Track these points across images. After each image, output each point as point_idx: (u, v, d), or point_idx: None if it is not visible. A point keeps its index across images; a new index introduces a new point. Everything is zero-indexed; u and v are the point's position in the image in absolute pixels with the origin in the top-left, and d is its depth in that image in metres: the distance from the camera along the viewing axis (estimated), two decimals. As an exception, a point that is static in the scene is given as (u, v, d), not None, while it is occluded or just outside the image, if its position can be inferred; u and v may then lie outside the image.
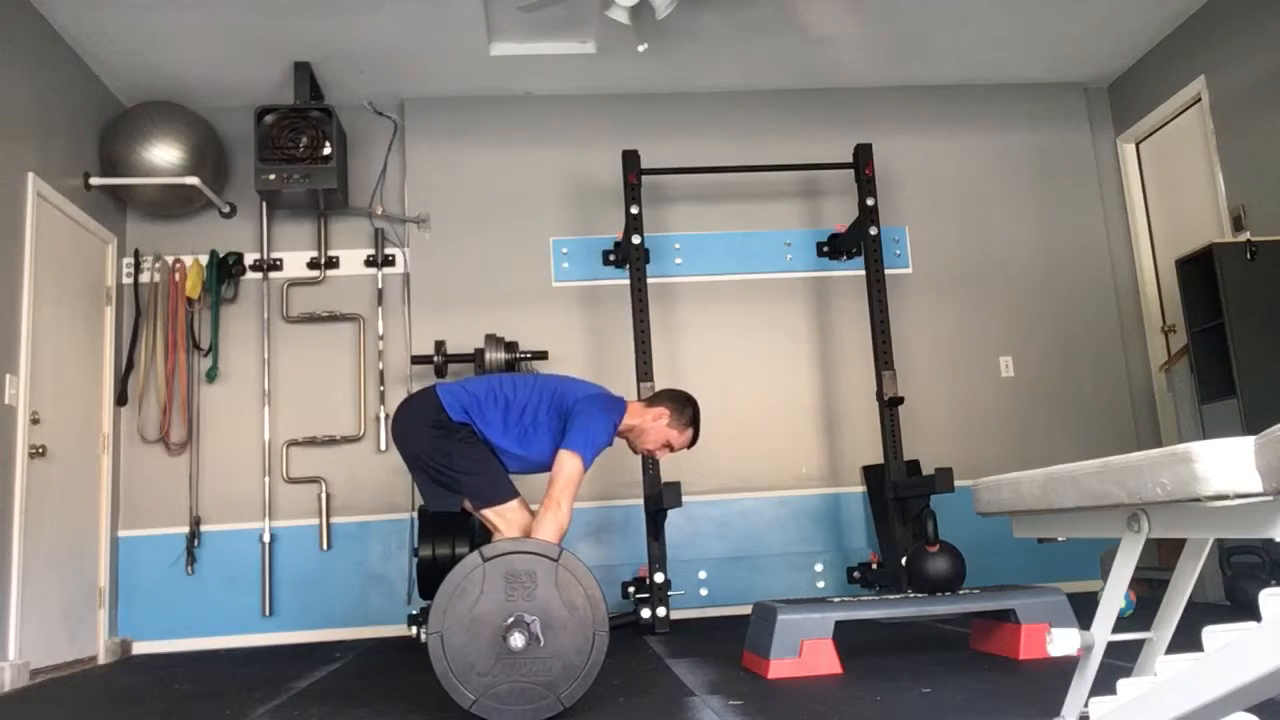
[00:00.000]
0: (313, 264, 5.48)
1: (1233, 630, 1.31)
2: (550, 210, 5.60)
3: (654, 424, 3.30)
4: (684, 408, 3.35)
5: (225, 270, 5.35)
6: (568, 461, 2.99)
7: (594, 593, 2.58)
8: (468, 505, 3.13)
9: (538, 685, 2.50)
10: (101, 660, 4.75)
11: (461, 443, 3.11)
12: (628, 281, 4.97)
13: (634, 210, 4.98)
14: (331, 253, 5.50)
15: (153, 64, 5.09)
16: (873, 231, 5.02)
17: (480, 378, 3.34)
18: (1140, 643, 1.72)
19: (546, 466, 3.12)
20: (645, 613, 4.47)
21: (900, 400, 4.80)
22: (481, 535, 3.81)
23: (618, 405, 3.24)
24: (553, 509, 2.92)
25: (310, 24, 4.84)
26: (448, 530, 4.55)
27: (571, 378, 3.43)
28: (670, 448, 3.36)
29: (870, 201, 5.04)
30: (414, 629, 4.54)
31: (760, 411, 5.46)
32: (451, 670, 2.50)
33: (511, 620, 2.50)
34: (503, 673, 2.50)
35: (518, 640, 2.46)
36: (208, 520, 5.18)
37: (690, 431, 3.36)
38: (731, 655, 3.51)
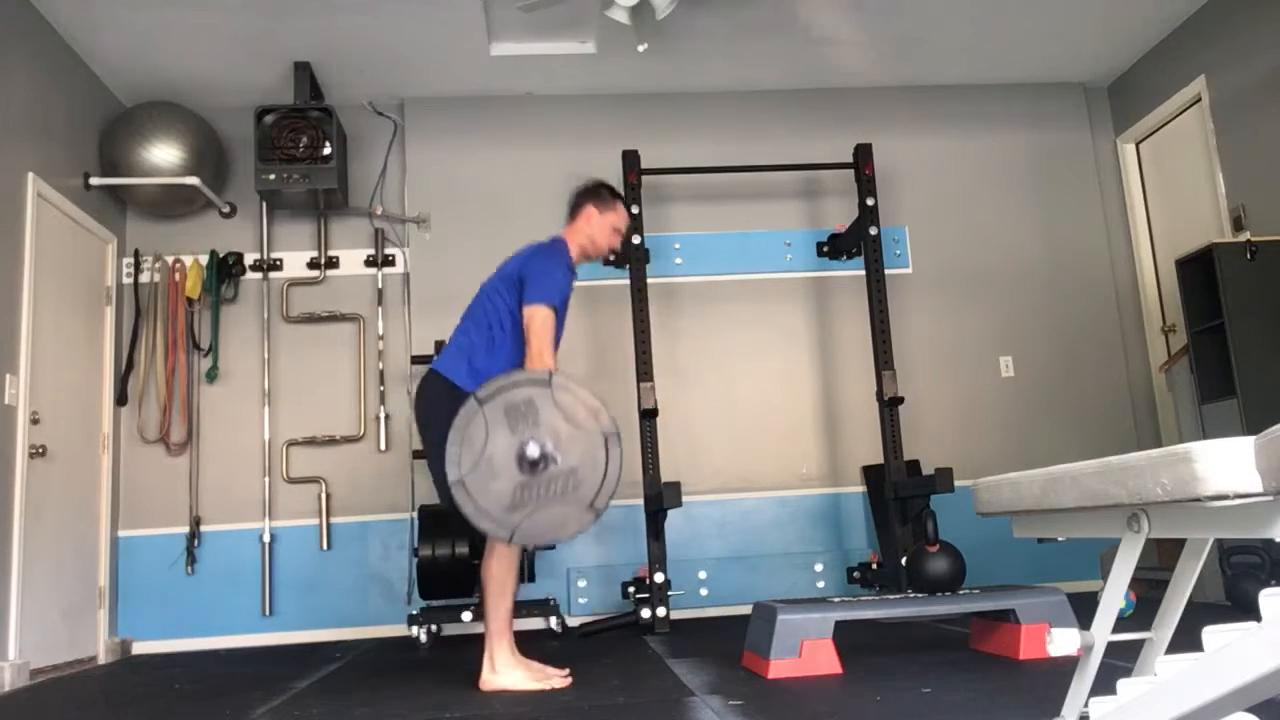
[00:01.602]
0: (313, 264, 5.48)
1: (1233, 630, 1.31)
2: (550, 210, 5.54)
3: (590, 225, 3.39)
4: (598, 190, 3.43)
5: (225, 270, 5.36)
6: (536, 314, 3.05)
7: (594, 403, 2.65)
8: None
9: (568, 502, 2.56)
10: (101, 660, 4.75)
11: None
12: (628, 281, 4.98)
13: (634, 210, 4.98)
14: (331, 253, 5.51)
15: (153, 64, 5.09)
16: (873, 231, 5.02)
17: (457, 328, 3.35)
18: (1140, 643, 1.72)
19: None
20: (645, 613, 4.47)
21: (900, 400, 4.80)
22: (482, 535, 3.80)
23: (556, 245, 3.33)
24: (536, 362, 2.95)
25: (310, 24, 4.84)
26: (448, 530, 4.56)
27: (511, 257, 3.41)
28: (619, 232, 3.44)
29: (870, 201, 5.04)
30: (414, 629, 4.54)
31: (760, 411, 5.46)
32: (482, 510, 2.54)
33: (523, 445, 2.55)
34: (532, 500, 2.57)
35: (534, 449, 2.52)
36: (208, 520, 5.19)
37: (619, 204, 3.44)
38: (731, 655, 3.51)
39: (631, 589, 4.65)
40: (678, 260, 5.56)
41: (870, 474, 5.27)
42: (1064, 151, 5.90)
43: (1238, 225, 4.94)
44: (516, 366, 3.15)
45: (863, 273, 5.08)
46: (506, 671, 3.03)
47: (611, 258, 3.51)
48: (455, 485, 2.56)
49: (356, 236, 5.55)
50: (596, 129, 5.65)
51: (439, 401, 3.13)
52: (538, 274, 3.15)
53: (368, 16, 4.80)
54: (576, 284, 5.41)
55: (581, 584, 5.15)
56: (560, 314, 3.16)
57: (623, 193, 5.02)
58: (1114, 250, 5.85)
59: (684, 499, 4.33)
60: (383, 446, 5.29)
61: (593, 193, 3.44)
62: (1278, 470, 1.19)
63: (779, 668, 3.04)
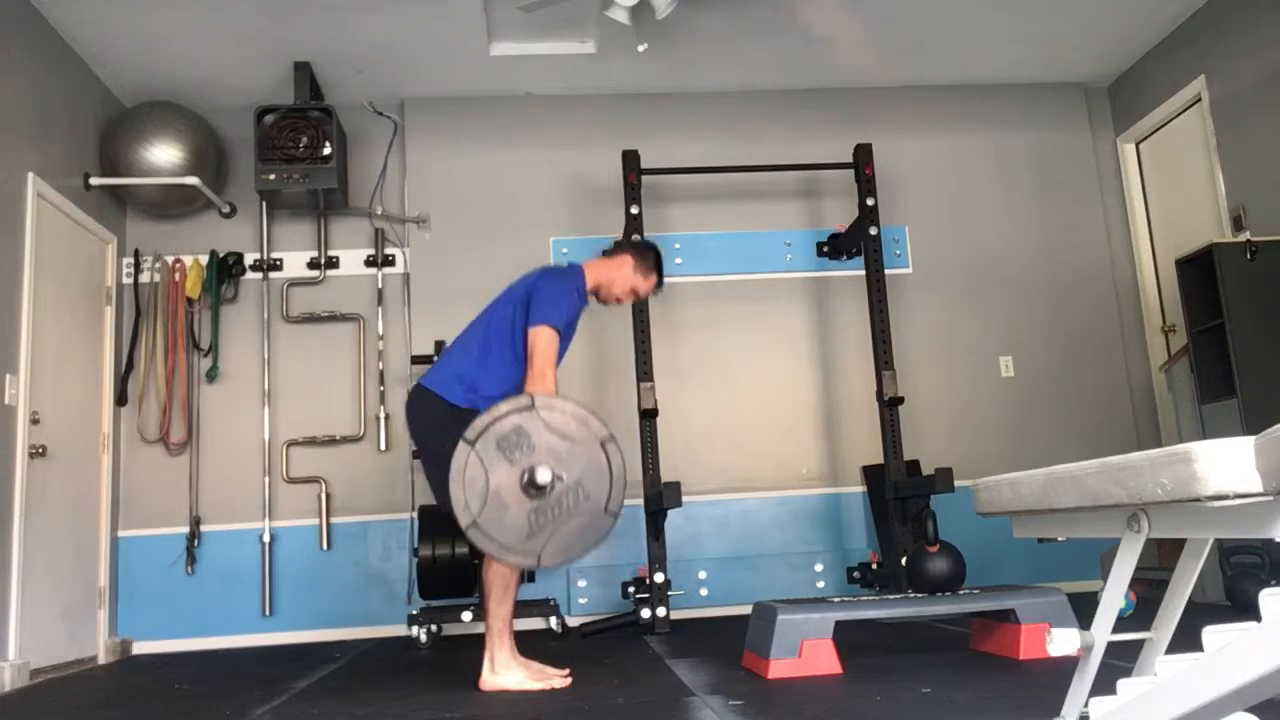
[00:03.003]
0: (313, 264, 5.48)
1: (1233, 630, 1.31)
2: (550, 210, 5.60)
3: (619, 272, 3.34)
4: (646, 253, 3.39)
5: (225, 270, 5.36)
6: (539, 335, 3.02)
7: (580, 412, 2.67)
8: None
9: (584, 513, 2.57)
10: (101, 660, 4.75)
11: None
12: (628, 281, 4.97)
13: (634, 210, 4.98)
14: (331, 253, 5.50)
15: (153, 64, 5.09)
16: (873, 231, 5.02)
17: (450, 347, 3.33)
18: (1140, 643, 1.72)
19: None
20: (645, 613, 4.47)
21: (900, 400, 4.80)
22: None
23: (573, 270, 3.28)
24: (538, 381, 2.93)
25: (310, 24, 4.84)
26: (448, 530, 4.56)
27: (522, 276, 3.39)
28: (636, 294, 3.40)
29: (870, 201, 5.04)
30: (414, 629, 4.54)
31: (760, 412, 5.46)
32: (504, 545, 2.55)
33: (525, 476, 2.57)
34: (548, 522, 2.58)
35: (545, 474, 2.53)
36: (208, 520, 5.18)
37: (654, 276, 3.40)
38: (731, 655, 3.50)
39: (631, 589, 4.65)
40: (678, 260, 5.56)
41: (870, 474, 5.26)
42: (1064, 151, 5.90)
43: (1238, 225, 4.93)
44: (513, 384, 3.14)
45: (863, 273, 5.08)
46: (506, 672, 3.03)
47: (611, 303, 3.46)
48: (470, 529, 2.56)
49: (356, 236, 5.55)
50: (596, 129, 5.64)
51: (431, 419, 3.12)
52: (545, 295, 3.11)
53: (368, 16, 4.80)
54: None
55: (581, 584, 5.15)
56: (564, 336, 3.12)
57: (625, 194, 5.06)
58: (1114, 250, 5.84)
59: (684, 499, 4.32)
60: (383, 446, 5.29)
61: (640, 250, 3.40)
62: (1278, 470, 1.19)
63: (779, 668, 3.04)
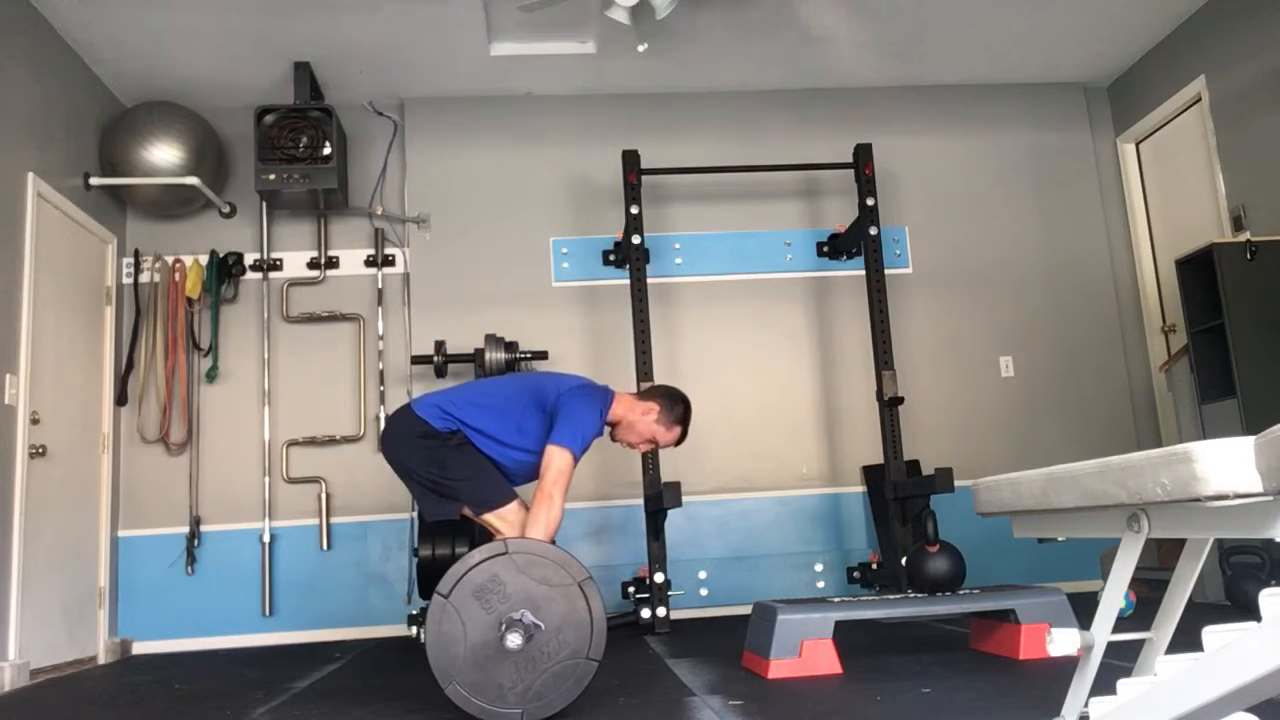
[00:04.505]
0: (313, 264, 5.48)
1: (1233, 630, 1.31)
2: (550, 210, 5.59)
3: (643, 418, 3.25)
4: (675, 405, 3.30)
5: (225, 270, 5.35)
6: (557, 455, 2.95)
7: (557, 555, 2.60)
8: (468, 512, 3.11)
9: (565, 661, 2.52)
10: (101, 660, 4.75)
11: (455, 449, 3.06)
12: (628, 281, 4.97)
13: (634, 210, 4.98)
14: (331, 253, 5.50)
15: (153, 64, 5.09)
16: (873, 231, 5.02)
17: (459, 386, 3.31)
18: (1140, 643, 1.72)
19: (536, 473, 3.06)
20: (645, 613, 4.47)
21: (900, 400, 4.80)
22: (482, 535, 3.81)
23: (603, 394, 3.21)
24: (545, 503, 2.89)
25: (310, 24, 4.84)
26: (447, 530, 4.56)
27: (552, 373, 3.39)
28: (655, 443, 3.31)
29: (870, 201, 5.04)
30: (414, 629, 4.54)
31: (760, 411, 5.46)
32: (486, 704, 2.50)
33: (503, 626, 2.50)
34: (530, 673, 2.52)
35: (516, 640, 2.47)
36: (208, 520, 5.18)
37: (678, 430, 3.31)
38: (731, 655, 3.51)
39: (632, 589, 4.65)
40: (678, 260, 5.56)
41: (870, 474, 5.27)
42: (1064, 151, 5.90)
43: (1238, 225, 4.94)
44: (516, 464, 3.12)
45: (863, 273, 5.08)
46: (506, 672, 3.02)
47: (623, 445, 3.38)
48: (451, 689, 2.50)
49: (356, 236, 5.55)
50: (596, 129, 5.65)
51: (409, 441, 3.08)
52: (572, 416, 3.02)
53: (368, 16, 4.80)
54: (576, 284, 5.49)
55: (581, 584, 5.14)
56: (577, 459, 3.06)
57: (625, 194, 5.06)
58: (1114, 250, 5.84)
59: (684, 499, 4.32)
60: (383, 446, 5.29)
61: (670, 400, 3.29)
62: (1278, 470, 1.19)
63: (779, 668, 3.04)
